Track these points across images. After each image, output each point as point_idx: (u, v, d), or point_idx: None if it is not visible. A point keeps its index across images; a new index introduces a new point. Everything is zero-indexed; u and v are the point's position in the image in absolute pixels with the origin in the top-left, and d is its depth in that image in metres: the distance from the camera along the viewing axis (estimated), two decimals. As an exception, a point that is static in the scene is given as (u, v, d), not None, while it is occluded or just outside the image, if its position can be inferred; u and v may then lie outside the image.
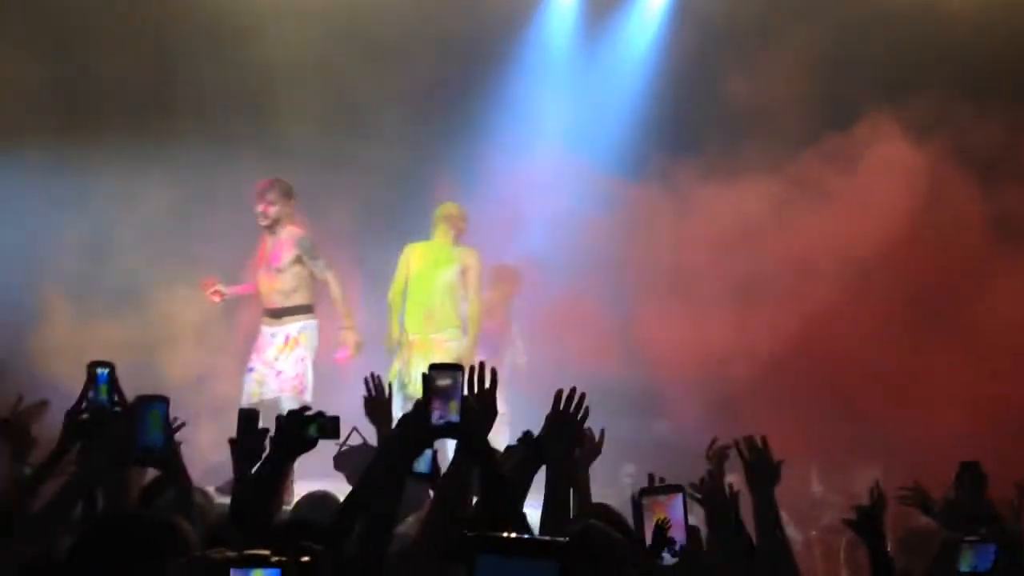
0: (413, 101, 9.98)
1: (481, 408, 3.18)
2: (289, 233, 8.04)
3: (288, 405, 7.16)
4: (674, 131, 9.91)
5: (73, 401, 3.70)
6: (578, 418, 3.52)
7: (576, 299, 9.36)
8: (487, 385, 3.22)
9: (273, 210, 8.01)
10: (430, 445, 3.42)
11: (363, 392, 4.65)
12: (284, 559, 2.09)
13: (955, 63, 9.51)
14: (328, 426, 3.31)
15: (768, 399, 8.22)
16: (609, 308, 9.41)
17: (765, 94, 9.29)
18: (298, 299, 8.06)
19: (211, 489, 5.17)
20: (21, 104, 9.27)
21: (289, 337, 8.00)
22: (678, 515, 3.36)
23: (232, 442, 3.51)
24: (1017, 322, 8.69)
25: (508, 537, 1.98)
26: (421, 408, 3.08)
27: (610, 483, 7.53)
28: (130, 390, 3.68)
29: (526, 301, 9.49)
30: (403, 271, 8.48)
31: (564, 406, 3.51)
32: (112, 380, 3.69)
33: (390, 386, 5.01)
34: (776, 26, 9.63)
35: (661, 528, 3.32)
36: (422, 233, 8.64)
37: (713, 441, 4.52)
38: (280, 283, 8.04)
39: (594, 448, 4.45)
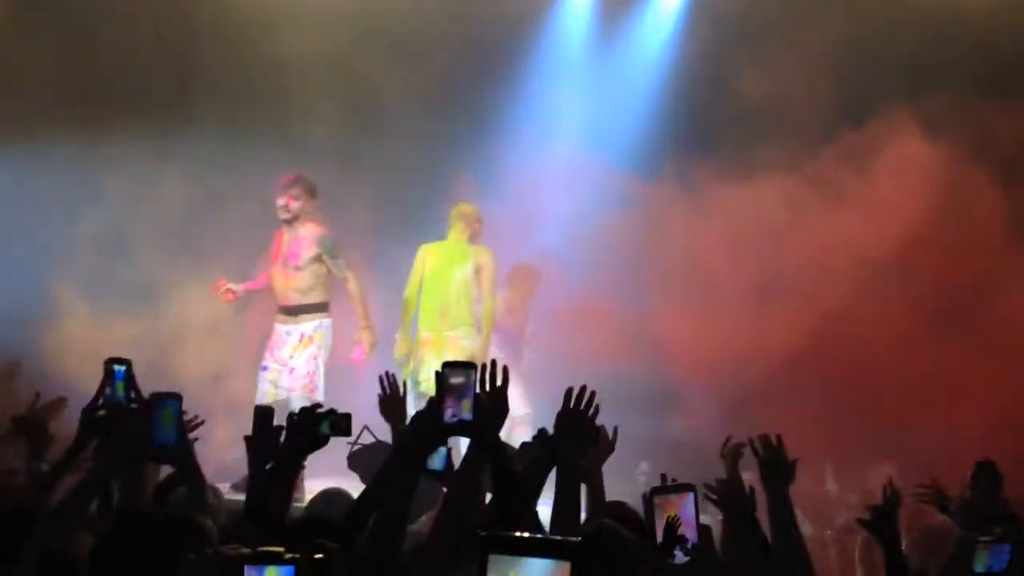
0: (429, 100, 9.97)
1: (493, 406, 3.18)
2: (309, 231, 8.01)
3: (299, 404, 7.12)
4: (690, 129, 9.89)
5: (89, 398, 3.71)
6: (588, 415, 3.50)
7: (592, 298, 9.34)
8: (499, 383, 3.22)
9: (296, 205, 7.97)
10: (443, 443, 3.43)
11: (377, 391, 4.66)
12: (298, 556, 2.09)
13: (973, 61, 9.45)
14: (340, 423, 3.32)
15: (783, 398, 8.19)
16: (625, 307, 9.38)
17: (781, 92, 9.25)
18: (315, 297, 8.05)
19: (225, 486, 5.19)
20: (37, 101, 9.30)
21: (304, 335, 7.99)
22: (689, 514, 3.36)
23: (247, 439, 3.52)
24: (1034, 322, 8.66)
25: (520, 536, 1.98)
26: (434, 406, 3.08)
27: (626, 481, 7.51)
28: (146, 388, 3.69)
29: (542, 300, 9.48)
30: (419, 270, 8.47)
31: (574, 404, 3.51)
32: (129, 377, 3.70)
33: (404, 385, 5.02)
34: (792, 23, 9.58)
35: (672, 525, 3.31)
36: (438, 232, 8.64)
37: (728, 439, 4.52)
38: (298, 281, 8.03)
39: (607, 446, 4.43)
